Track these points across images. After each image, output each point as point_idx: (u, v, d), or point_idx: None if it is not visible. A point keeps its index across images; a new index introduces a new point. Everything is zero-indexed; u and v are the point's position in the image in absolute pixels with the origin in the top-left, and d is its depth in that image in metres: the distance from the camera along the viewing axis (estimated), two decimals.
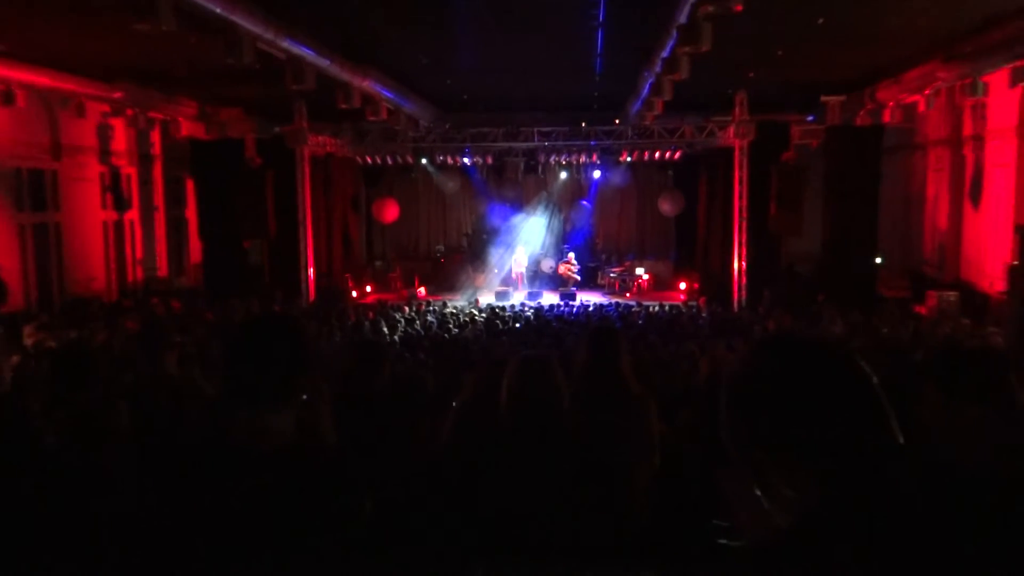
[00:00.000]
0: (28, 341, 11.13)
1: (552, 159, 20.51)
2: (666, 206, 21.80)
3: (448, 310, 16.28)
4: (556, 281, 20.70)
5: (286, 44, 10.19)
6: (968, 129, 15.88)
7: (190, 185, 19.61)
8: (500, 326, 13.64)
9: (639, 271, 20.77)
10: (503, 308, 16.36)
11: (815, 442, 1.23)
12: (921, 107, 14.74)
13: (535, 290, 19.89)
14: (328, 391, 1.97)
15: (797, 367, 1.29)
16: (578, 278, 20.63)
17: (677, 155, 20.29)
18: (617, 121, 18.55)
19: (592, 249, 22.74)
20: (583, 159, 20.56)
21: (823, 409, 1.25)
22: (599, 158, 20.21)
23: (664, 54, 10.61)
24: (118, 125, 17.07)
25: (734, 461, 1.32)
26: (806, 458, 1.24)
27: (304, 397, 1.91)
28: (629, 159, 20.52)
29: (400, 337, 12.13)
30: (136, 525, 1.79)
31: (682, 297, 18.94)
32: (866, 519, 1.16)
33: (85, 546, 1.83)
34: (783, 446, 1.26)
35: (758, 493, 1.28)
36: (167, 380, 3.85)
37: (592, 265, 21.83)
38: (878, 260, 16.98)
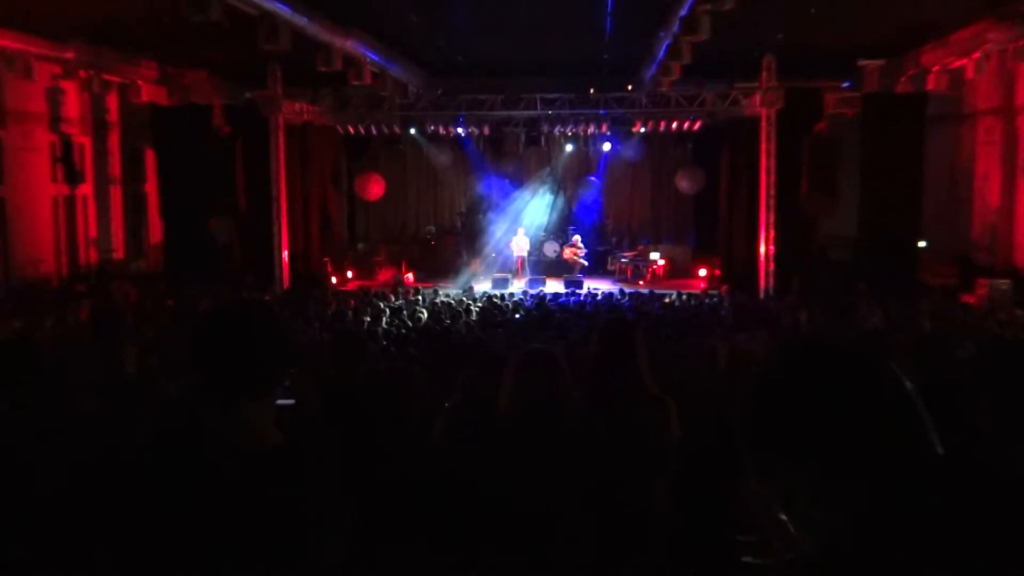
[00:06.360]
0: None
1: (556, 130, 20.47)
2: (684, 183, 21.80)
3: (440, 299, 16.28)
4: (560, 267, 20.71)
5: None
6: (1022, 98, 15.85)
7: (150, 156, 19.57)
8: (498, 316, 13.64)
9: (654, 256, 20.75)
10: (501, 297, 16.36)
11: (842, 456, 1.24)
12: (969, 73, 14.72)
13: (537, 277, 19.90)
14: (312, 385, 1.99)
15: (822, 373, 1.30)
16: (585, 264, 20.63)
17: (696, 126, 20.25)
18: (630, 88, 18.51)
19: (601, 231, 22.73)
20: (591, 130, 20.54)
21: (851, 420, 1.25)
22: (609, 129, 20.20)
23: (683, 12, 10.59)
24: (70, 89, 17.01)
25: (753, 475, 1.32)
26: (833, 474, 1.24)
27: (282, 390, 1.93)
28: (643, 130, 20.49)
29: (385, 329, 12.14)
30: (97, 534, 1.80)
31: (702, 285, 18.92)
32: (901, 540, 1.17)
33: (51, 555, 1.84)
34: (807, 462, 1.26)
35: (782, 515, 1.29)
36: (125, 377, 3.85)
37: (601, 249, 21.83)
38: (921, 244, 16.98)
